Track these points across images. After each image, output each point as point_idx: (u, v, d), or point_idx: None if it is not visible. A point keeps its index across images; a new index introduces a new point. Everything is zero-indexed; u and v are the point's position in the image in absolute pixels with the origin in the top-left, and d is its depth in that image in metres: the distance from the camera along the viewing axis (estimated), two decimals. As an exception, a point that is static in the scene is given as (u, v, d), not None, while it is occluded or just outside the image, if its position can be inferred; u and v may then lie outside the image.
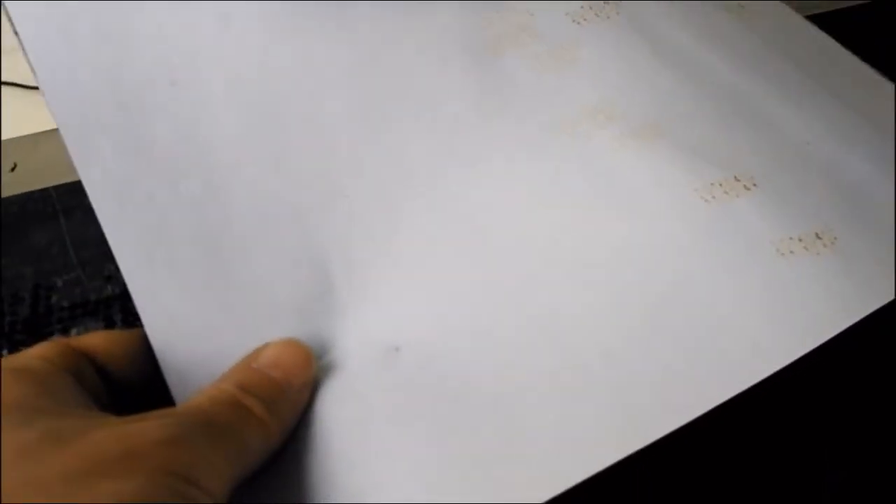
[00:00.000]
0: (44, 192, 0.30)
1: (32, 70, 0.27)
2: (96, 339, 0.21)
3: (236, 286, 0.24)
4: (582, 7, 0.33)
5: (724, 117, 0.30)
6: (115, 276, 0.27)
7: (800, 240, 0.26)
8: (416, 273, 0.25)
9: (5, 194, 0.31)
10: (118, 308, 0.26)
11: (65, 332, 0.26)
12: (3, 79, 0.41)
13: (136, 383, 0.22)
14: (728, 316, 0.24)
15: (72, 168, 0.31)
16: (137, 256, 0.23)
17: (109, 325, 0.26)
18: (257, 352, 0.22)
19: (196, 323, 0.23)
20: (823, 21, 0.42)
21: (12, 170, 0.32)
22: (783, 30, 0.36)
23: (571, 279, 0.25)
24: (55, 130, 0.28)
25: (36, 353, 0.20)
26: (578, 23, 0.32)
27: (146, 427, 0.17)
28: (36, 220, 0.30)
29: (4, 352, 0.26)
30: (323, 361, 0.23)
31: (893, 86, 0.33)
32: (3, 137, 0.37)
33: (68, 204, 0.29)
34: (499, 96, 0.30)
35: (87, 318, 0.27)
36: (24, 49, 0.27)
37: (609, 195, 0.28)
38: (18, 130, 0.40)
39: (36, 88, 0.29)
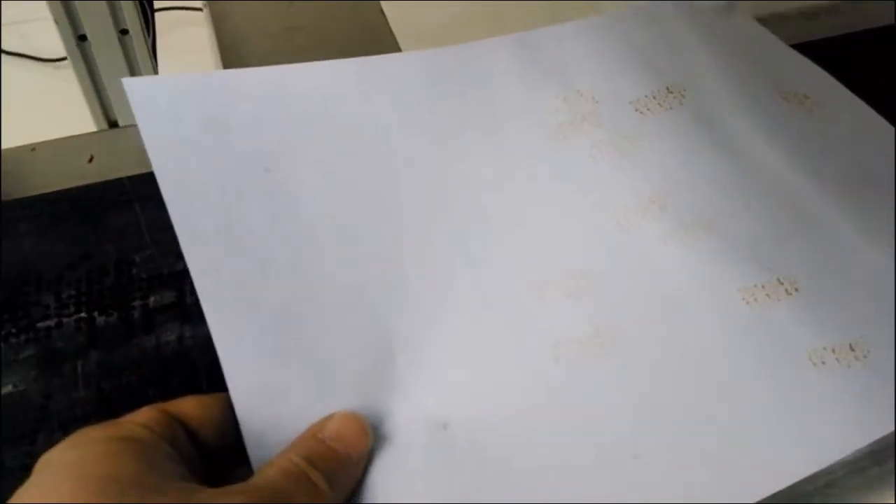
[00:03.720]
0: (119, 182, 0.35)
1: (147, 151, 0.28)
2: (188, 406, 0.23)
3: (312, 358, 0.25)
4: (646, 96, 0.32)
5: (776, 217, 0.30)
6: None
7: (833, 351, 0.26)
8: (466, 354, 0.26)
9: (85, 183, 0.35)
10: (187, 281, 0.30)
11: (143, 299, 0.31)
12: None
13: (218, 445, 0.23)
14: (756, 426, 0.25)
15: (140, 161, 0.36)
16: (229, 328, 0.25)
17: (180, 295, 0.31)
18: (322, 423, 0.24)
19: (275, 390, 0.24)
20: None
21: (90, 161, 0.37)
22: (848, 121, 0.35)
23: (611, 374, 0.26)
24: (126, 127, 0.32)
25: (140, 421, 0.22)
26: (641, 112, 0.32)
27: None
28: (114, 206, 0.33)
29: (95, 314, 0.31)
30: (377, 432, 0.24)
31: None
32: (81, 132, 0.42)
33: (141, 192, 0.34)
34: (557, 184, 0.30)
35: (162, 288, 0.31)
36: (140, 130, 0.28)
37: (654, 291, 0.28)
38: (90, 126, 0.45)
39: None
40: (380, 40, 0.52)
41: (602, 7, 0.41)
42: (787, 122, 0.34)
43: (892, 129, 0.35)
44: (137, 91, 0.28)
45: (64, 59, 0.51)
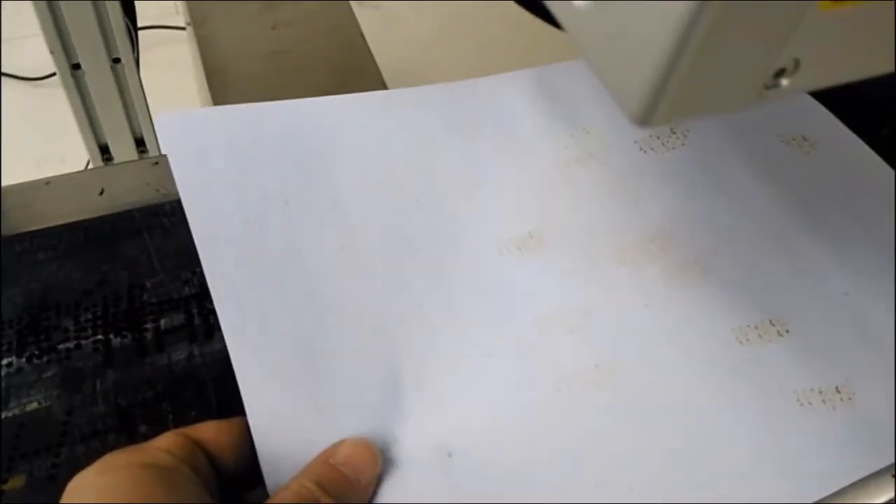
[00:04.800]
0: (129, 213, 0.38)
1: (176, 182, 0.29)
2: (208, 431, 0.24)
3: (326, 386, 0.26)
4: (651, 136, 0.33)
5: (771, 259, 0.31)
6: (190, 280, 0.34)
7: (820, 392, 0.27)
8: (473, 387, 0.27)
9: (97, 214, 0.38)
10: (195, 304, 0.33)
11: (155, 321, 0.34)
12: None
13: (236, 468, 0.25)
14: (744, 462, 0.26)
15: (148, 193, 0.39)
16: (248, 356, 0.26)
17: (189, 317, 0.33)
18: (334, 448, 0.25)
19: (290, 416, 0.25)
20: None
21: (101, 194, 0.40)
22: (846, 163, 0.35)
23: (609, 407, 0.27)
24: (133, 161, 0.35)
25: (163, 447, 0.23)
26: (645, 152, 0.33)
27: None
28: (125, 235, 0.36)
29: (111, 336, 0.33)
30: (385, 458, 0.25)
31: None
32: (91, 166, 0.45)
33: (149, 223, 0.37)
34: (564, 220, 0.31)
35: (171, 311, 0.33)
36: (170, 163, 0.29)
37: (652, 328, 0.29)
38: (91, 143, 0.48)
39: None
40: (361, 64, 0.55)
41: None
42: (784, 166, 0.35)
43: (891, 170, 0.36)
44: (167, 125, 0.30)
45: (44, 77, 0.53)
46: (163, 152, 0.30)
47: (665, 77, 0.14)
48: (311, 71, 0.54)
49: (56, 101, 0.56)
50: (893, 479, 0.27)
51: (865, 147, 0.36)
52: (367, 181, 0.31)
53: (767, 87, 0.15)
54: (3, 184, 0.38)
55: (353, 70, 0.55)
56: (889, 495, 0.27)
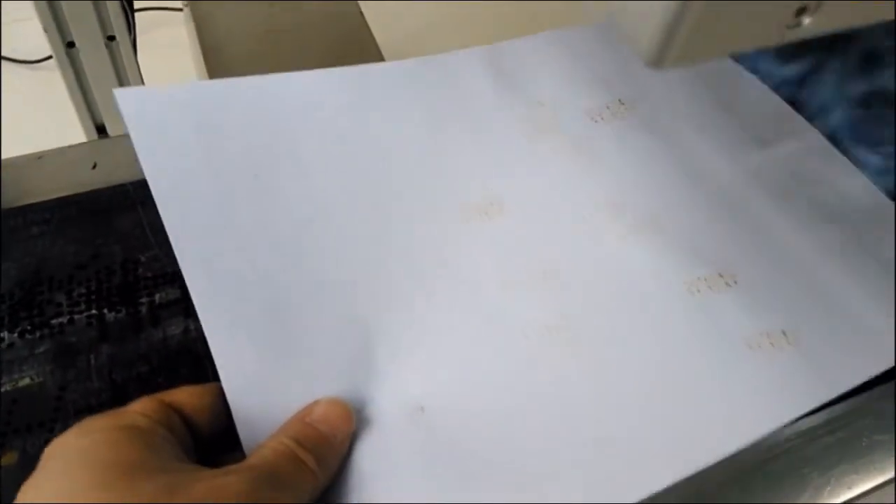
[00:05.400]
0: (122, 187, 0.37)
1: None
2: (182, 395, 0.25)
3: (298, 350, 0.27)
4: (600, 106, 0.36)
5: (717, 217, 0.33)
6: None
7: (768, 335, 0.29)
8: (442, 345, 0.28)
9: (90, 188, 0.38)
10: None
11: (150, 296, 0.33)
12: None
13: (212, 431, 0.25)
14: (699, 400, 0.27)
15: (140, 168, 0.38)
16: (219, 322, 0.26)
17: (184, 291, 0.33)
18: (309, 408, 0.25)
19: (264, 380, 0.26)
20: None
21: (93, 168, 0.39)
22: (770, 123, 0.38)
23: (573, 357, 0.28)
24: (126, 135, 0.34)
25: (138, 410, 0.23)
26: (596, 121, 0.35)
27: (229, 482, 0.21)
28: (119, 209, 0.35)
29: (105, 311, 0.33)
30: (360, 416, 0.26)
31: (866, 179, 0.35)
32: (85, 139, 0.44)
33: (143, 196, 0.36)
34: (526, 187, 0.33)
35: (166, 285, 0.33)
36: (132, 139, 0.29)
37: (612, 284, 0.30)
38: (88, 123, 0.47)
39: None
40: (361, 42, 0.54)
41: (576, 8, 0.43)
42: (724, 130, 0.37)
43: (807, 123, 0.38)
44: (128, 101, 0.29)
45: (40, 60, 0.52)
46: (122, 125, 0.29)
47: (678, 15, 0.13)
48: (310, 50, 0.53)
49: (54, 85, 0.56)
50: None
51: (782, 102, 0.38)
52: (334, 154, 0.32)
53: (789, 27, 0.14)
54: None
55: (353, 48, 0.54)
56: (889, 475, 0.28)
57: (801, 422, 0.29)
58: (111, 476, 0.21)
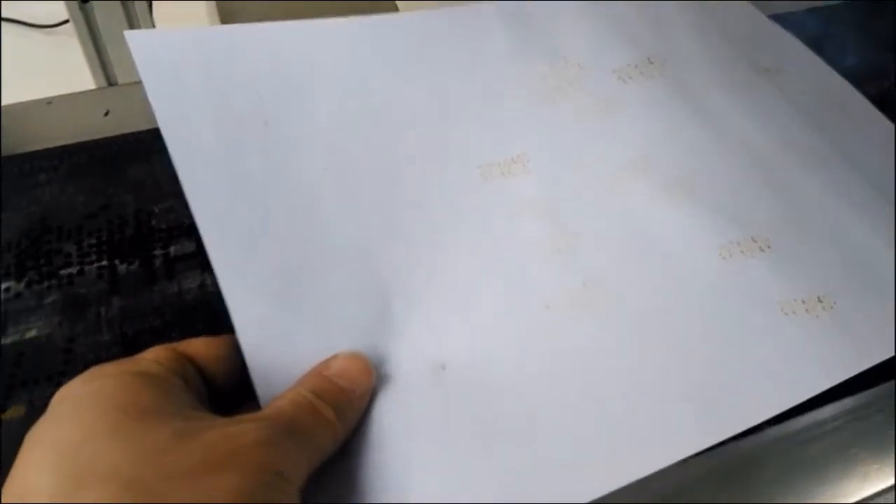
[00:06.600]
0: (135, 135, 0.35)
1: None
2: (197, 345, 0.24)
3: (314, 305, 0.26)
4: (629, 65, 0.35)
5: (749, 180, 0.32)
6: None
7: (803, 302, 0.28)
8: (462, 302, 0.28)
9: (101, 136, 0.36)
10: None
11: (164, 248, 0.32)
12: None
13: (226, 383, 0.24)
14: (733, 367, 0.26)
15: (154, 116, 0.36)
16: (234, 276, 0.25)
17: (200, 244, 0.31)
18: (327, 362, 0.24)
19: (279, 333, 0.25)
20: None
21: (105, 115, 0.37)
22: (814, 88, 0.37)
23: (597, 321, 0.27)
24: (140, 82, 0.33)
25: (152, 358, 0.22)
26: (624, 80, 0.34)
27: (246, 429, 0.20)
28: (132, 158, 0.34)
29: (117, 262, 0.31)
30: (379, 373, 0.25)
31: None
32: (94, 86, 0.43)
33: (158, 146, 0.34)
34: (546, 145, 0.32)
35: (181, 237, 0.31)
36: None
37: (638, 246, 0.30)
38: (102, 82, 0.45)
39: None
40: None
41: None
42: (758, 94, 0.36)
43: (855, 90, 0.37)
44: (139, 44, 0.29)
45: (57, 24, 0.50)
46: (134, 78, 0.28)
47: None
48: (326, 4, 0.51)
49: (70, 50, 0.54)
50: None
51: (832, 70, 0.38)
52: (347, 106, 0.30)
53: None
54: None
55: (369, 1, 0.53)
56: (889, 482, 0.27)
57: (846, 400, 0.28)
58: (124, 419, 0.19)
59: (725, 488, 0.26)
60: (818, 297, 0.28)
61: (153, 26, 0.56)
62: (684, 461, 0.24)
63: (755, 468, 0.27)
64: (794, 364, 0.27)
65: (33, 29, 0.75)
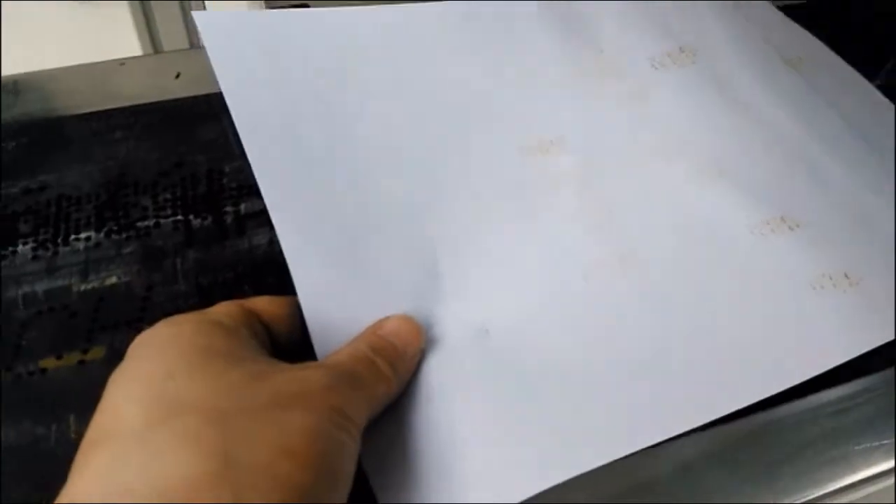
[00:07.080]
0: (206, 97, 0.37)
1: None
2: (262, 303, 0.25)
3: (368, 268, 0.28)
4: (662, 54, 0.36)
5: (778, 164, 0.34)
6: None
7: (830, 277, 0.30)
8: (506, 269, 0.29)
9: (173, 97, 0.37)
10: None
11: (235, 206, 0.33)
12: None
13: (287, 341, 0.26)
14: (762, 336, 0.28)
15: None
16: (296, 240, 0.27)
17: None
18: (381, 322, 0.26)
19: (336, 295, 0.27)
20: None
21: (177, 77, 0.39)
22: (833, 80, 0.39)
23: (633, 292, 0.29)
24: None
25: (223, 311, 0.24)
26: (657, 69, 0.36)
27: (312, 374, 0.22)
28: (202, 119, 0.35)
29: (191, 217, 0.33)
30: (427, 335, 0.27)
31: None
32: (166, 49, 0.44)
33: (226, 109, 0.36)
34: (586, 127, 0.34)
35: (252, 196, 0.33)
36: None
37: (673, 223, 0.31)
38: (175, 45, 0.47)
39: None
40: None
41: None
42: (785, 83, 0.38)
43: (868, 83, 0.39)
44: (206, 23, 0.31)
45: None
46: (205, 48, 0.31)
47: None
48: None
49: (120, 24, 0.55)
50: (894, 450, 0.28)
51: (846, 65, 0.41)
52: (395, 88, 0.33)
53: None
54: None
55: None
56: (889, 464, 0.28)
57: (858, 381, 0.29)
58: (202, 359, 0.21)
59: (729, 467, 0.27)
60: (845, 273, 0.30)
61: (203, 4, 0.57)
62: (689, 434, 0.25)
63: (758, 447, 0.27)
64: (820, 333, 0.28)
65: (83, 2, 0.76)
